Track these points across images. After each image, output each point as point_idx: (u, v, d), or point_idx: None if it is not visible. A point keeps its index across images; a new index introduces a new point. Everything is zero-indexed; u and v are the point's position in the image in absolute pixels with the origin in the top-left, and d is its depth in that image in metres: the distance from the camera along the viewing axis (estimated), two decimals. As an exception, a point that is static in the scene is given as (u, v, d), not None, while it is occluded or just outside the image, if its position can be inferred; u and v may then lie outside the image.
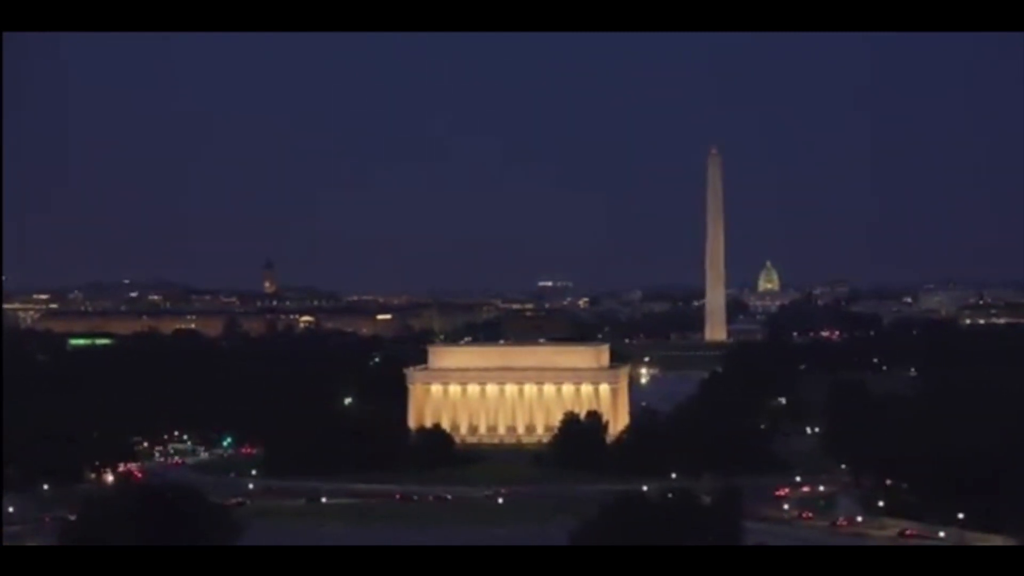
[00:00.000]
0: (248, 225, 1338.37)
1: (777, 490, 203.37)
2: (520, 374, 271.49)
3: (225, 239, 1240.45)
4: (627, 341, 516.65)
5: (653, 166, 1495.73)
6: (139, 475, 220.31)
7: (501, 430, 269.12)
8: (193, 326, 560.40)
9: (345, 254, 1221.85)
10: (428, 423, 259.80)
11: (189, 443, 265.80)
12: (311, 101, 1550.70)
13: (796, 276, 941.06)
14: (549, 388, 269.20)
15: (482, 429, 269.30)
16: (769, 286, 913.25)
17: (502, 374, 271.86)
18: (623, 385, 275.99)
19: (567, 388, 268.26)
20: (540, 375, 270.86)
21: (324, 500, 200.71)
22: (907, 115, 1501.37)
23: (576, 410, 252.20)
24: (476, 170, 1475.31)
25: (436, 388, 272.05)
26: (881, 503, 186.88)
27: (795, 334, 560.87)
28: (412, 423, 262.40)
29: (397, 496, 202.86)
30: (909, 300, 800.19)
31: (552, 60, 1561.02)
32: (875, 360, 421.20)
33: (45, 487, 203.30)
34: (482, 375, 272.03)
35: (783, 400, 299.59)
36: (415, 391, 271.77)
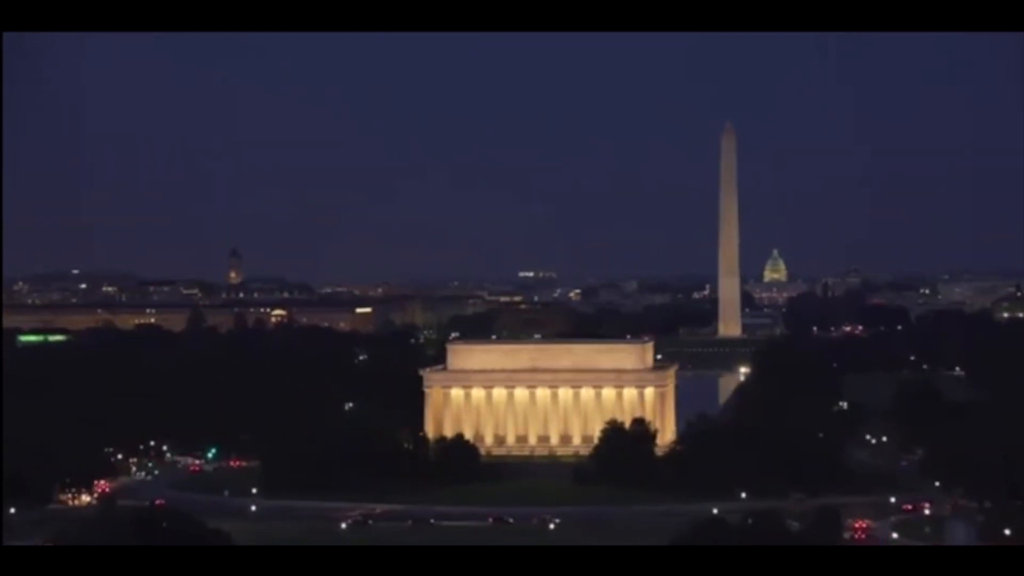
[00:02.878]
0: (204, 211, 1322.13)
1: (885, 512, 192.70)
2: (554, 376, 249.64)
3: (179, 225, 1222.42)
4: (629, 337, 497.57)
5: (647, 160, 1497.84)
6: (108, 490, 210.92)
7: (532, 440, 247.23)
8: (153, 320, 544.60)
9: (312, 242, 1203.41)
10: (448, 432, 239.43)
11: (169, 454, 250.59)
12: (287, 85, 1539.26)
13: (801, 266, 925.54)
14: (587, 392, 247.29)
15: (510, 439, 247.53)
16: (776, 276, 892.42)
17: (533, 376, 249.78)
18: (671, 388, 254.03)
19: (607, 392, 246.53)
20: (577, 377, 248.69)
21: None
22: (909, 106, 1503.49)
23: (619, 417, 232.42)
24: (461, 159, 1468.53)
25: (457, 392, 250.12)
26: (1007, 531, 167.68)
27: (814, 329, 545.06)
28: (430, 432, 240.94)
29: (490, 519, 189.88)
30: (926, 291, 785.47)
31: (551, 53, 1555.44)
32: (912, 358, 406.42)
33: (12, 510, 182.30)
34: (510, 377, 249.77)
35: (844, 404, 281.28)
36: (433, 395, 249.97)
